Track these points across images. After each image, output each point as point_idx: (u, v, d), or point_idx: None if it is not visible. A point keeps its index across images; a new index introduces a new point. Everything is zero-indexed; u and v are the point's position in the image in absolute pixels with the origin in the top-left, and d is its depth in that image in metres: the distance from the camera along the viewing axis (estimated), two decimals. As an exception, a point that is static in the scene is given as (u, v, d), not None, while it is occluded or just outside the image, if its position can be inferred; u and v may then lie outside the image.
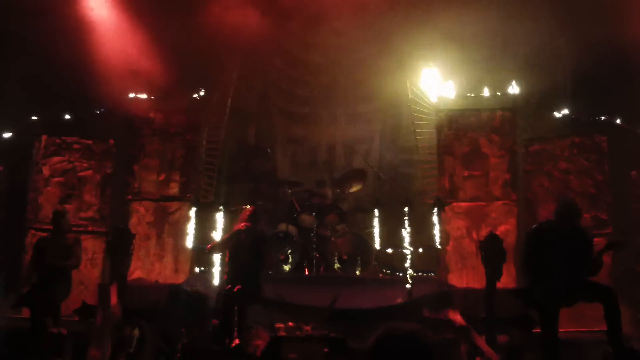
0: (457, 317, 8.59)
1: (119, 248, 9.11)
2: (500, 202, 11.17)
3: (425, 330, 3.13)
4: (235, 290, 8.69)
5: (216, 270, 10.50)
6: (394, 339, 3.08)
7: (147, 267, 11.29)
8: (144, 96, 12.18)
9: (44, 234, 10.21)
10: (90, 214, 11.37)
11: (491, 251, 8.41)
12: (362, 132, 13.85)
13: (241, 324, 8.59)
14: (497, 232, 9.51)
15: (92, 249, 11.13)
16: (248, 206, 10.10)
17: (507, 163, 11.34)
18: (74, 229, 10.04)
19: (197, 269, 11.32)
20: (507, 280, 9.60)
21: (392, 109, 13.63)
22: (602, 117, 11.26)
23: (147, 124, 11.95)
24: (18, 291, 9.80)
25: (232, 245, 9.19)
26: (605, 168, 10.81)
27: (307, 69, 13.99)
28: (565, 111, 11.55)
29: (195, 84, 12.48)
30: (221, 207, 11.19)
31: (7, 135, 11.58)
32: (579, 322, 9.24)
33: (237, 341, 8.50)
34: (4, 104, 11.46)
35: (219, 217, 11.05)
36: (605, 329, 7.42)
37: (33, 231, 11.07)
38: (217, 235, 10.76)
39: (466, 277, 10.67)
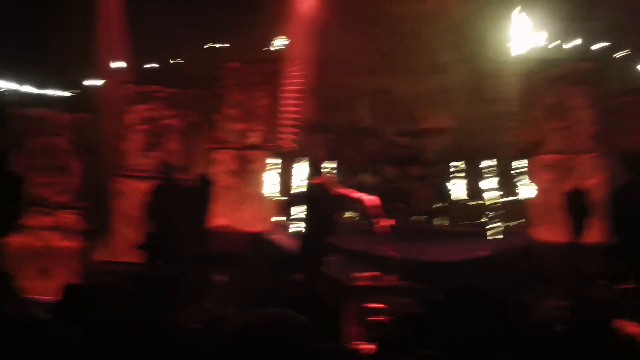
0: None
1: (198, 195, 9.26)
2: (588, 155, 10.84)
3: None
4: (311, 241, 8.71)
5: (296, 220, 10.56)
6: (461, 296, 2.99)
7: (229, 214, 11.37)
8: (224, 45, 12.18)
9: (130, 181, 10.61)
10: (173, 161, 11.49)
11: (576, 205, 8.24)
12: (445, 82, 13.58)
13: (319, 274, 8.63)
14: (586, 186, 9.30)
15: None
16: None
17: (595, 115, 10.97)
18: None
19: (277, 219, 11.37)
20: (597, 234, 9.39)
21: (476, 59, 13.30)
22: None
23: (228, 74, 11.96)
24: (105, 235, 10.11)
25: (307, 197, 9.20)
26: (702, 120, 10.37)
27: (385, 21, 13.74)
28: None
29: (276, 32, 12.43)
30: (302, 157, 11.24)
31: (92, 82, 11.78)
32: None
33: (316, 291, 8.55)
34: (88, 52, 11.62)
35: (300, 167, 11.10)
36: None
37: (119, 178, 11.31)
38: (299, 184, 10.83)
39: (553, 231, 10.39)
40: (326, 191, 9.07)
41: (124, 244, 10.27)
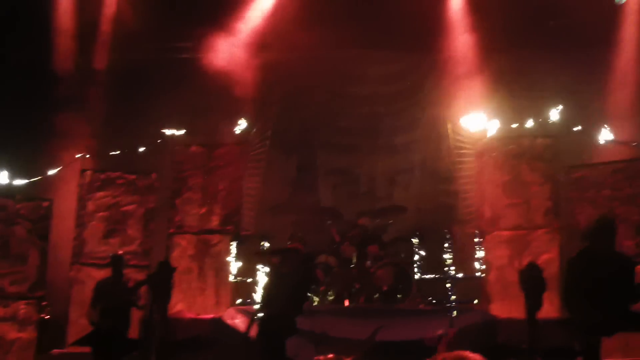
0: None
1: (160, 281, 9.18)
2: (542, 230, 10.98)
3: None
4: (270, 322, 8.61)
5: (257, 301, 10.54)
6: None
7: (189, 300, 11.33)
8: (184, 131, 12.36)
9: (89, 269, 10.77)
10: (133, 247, 11.45)
11: (531, 281, 8.26)
12: (403, 162, 13.82)
13: (279, 357, 8.53)
14: (540, 261, 9.37)
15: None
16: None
17: (549, 190, 11.16)
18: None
19: (238, 301, 11.34)
20: (551, 310, 9.42)
21: (432, 139, 13.57)
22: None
23: (188, 158, 12.08)
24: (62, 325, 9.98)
25: (281, 262, 9.08)
26: (650, 194, 10.56)
27: (347, 101, 14.04)
28: (609, 137, 11.37)
29: (236, 117, 12.62)
30: (262, 240, 11.30)
31: (52, 171, 11.85)
32: (624, 352, 9.01)
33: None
34: (49, 140, 11.71)
35: (260, 249, 11.15)
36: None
37: (78, 266, 11.27)
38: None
39: (509, 307, 10.38)
40: (301, 260, 8.91)
41: (81, 334, 10.13)
